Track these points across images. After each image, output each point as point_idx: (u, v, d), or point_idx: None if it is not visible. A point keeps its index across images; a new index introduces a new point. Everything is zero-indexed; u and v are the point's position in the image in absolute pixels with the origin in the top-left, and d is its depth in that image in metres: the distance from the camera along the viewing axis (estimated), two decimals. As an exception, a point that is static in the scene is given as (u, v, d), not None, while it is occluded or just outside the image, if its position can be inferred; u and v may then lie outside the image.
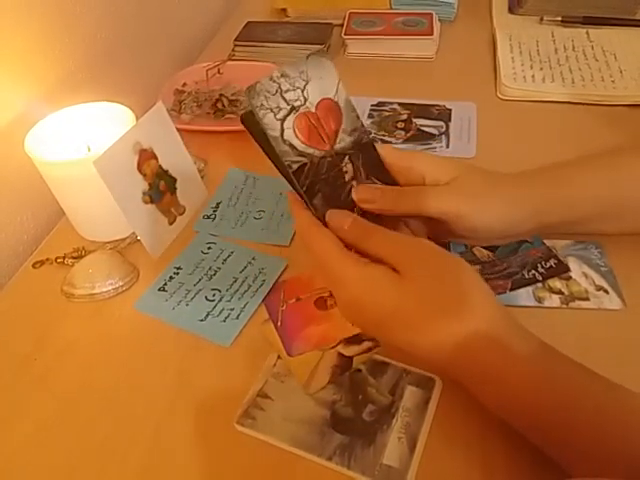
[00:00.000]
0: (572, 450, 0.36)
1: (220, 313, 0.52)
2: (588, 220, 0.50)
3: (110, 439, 0.44)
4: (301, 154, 0.43)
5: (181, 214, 0.61)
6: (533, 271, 0.53)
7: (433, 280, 0.39)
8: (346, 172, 0.45)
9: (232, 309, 0.53)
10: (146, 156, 0.56)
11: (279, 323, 0.48)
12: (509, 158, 0.66)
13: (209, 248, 0.59)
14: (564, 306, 0.50)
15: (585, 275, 0.52)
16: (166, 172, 0.59)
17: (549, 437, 0.37)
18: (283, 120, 0.43)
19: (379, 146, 0.47)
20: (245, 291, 0.54)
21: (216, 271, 0.57)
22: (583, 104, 0.75)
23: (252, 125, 0.43)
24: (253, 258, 0.57)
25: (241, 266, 0.57)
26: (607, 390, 0.36)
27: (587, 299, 0.50)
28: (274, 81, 0.42)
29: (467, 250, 0.55)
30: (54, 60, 0.67)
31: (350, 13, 0.94)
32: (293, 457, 0.42)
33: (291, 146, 0.43)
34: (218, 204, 0.64)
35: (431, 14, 0.91)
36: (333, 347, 0.46)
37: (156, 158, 0.57)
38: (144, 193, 0.56)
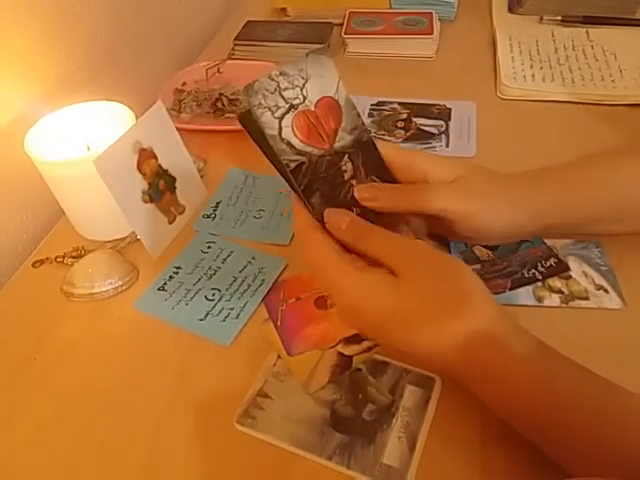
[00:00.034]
0: (571, 450, 0.36)
1: (220, 312, 0.52)
2: (590, 222, 0.50)
3: (110, 439, 0.44)
4: (299, 153, 0.43)
5: (181, 213, 0.61)
6: (533, 270, 0.53)
7: (431, 281, 0.39)
8: (345, 171, 0.45)
9: (232, 308, 0.53)
10: (146, 155, 0.56)
11: (279, 322, 0.48)
12: (509, 157, 0.66)
13: (209, 247, 0.59)
14: (564, 305, 0.50)
15: (585, 274, 0.52)
16: (166, 171, 0.59)
17: (548, 437, 0.37)
18: (281, 118, 0.42)
19: (380, 144, 0.47)
20: (245, 290, 0.54)
21: (216, 270, 0.56)
22: (583, 104, 0.75)
23: (250, 124, 0.43)
24: (253, 257, 0.57)
25: (241, 265, 0.57)
26: (606, 391, 0.36)
27: (587, 298, 0.50)
28: (273, 79, 0.42)
29: (467, 249, 0.55)
30: (54, 60, 0.67)
31: (350, 12, 0.93)
32: (293, 456, 0.42)
33: (289, 144, 0.42)
34: (218, 203, 0.64)
35: (431, 13, 0.91)
36: (333, 346, 0.46)
37: (156, 157, 0.57)
38: (144, 192, 0.56)
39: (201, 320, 0.52)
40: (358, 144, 0.45)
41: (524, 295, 0.51)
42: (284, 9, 1.01)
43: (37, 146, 0.56)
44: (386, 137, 0.72)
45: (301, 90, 0.43)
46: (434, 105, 0.76)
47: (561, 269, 0.53)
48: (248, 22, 0.94)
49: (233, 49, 0.90)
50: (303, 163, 0.43)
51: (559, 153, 0.66)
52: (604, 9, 0.90)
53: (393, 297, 0.39)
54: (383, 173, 0.46)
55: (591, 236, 0.54)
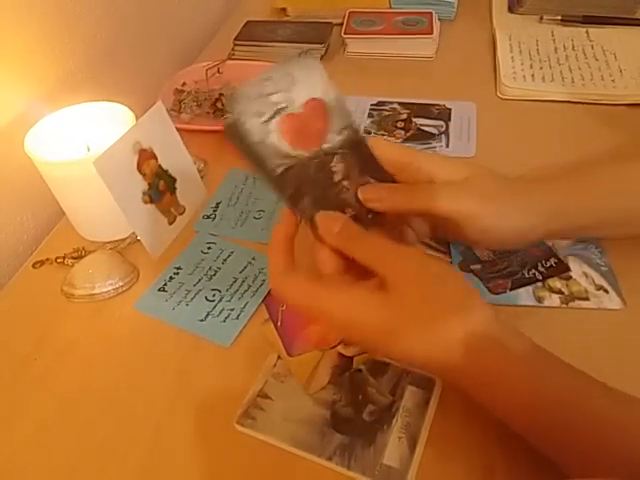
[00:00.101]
0: (570, 452, 0.36)
1: (220, 313, 0.52)
2: (596, 227, 0.49)
3: (110, 439, 0.45)
4: (287, 156, 0.42)
5: (181, 214, 0.61)
6: (533, 270, 0.53)
7: (421, 291, 0.38)
8: (336, 172, 0.44)
9: (232, 309, 0.53)
10: (146, 156, 0.56)
11: (279, 323, 0.48)
12: (509, 157, 0.66)
13: (209, 248, 0.59)
14: (564, 306, 0.50)
15: (585, 275, 0.52)
16: (166, 172, 0.59)
17: (547, 438, 0.37)
18: (267, 123, 0.41)
19: (380, 142, 0.46)
20: (245, 291, 0.54)
21: (216, 271, 0.57)
22: (583, 103, 0.75)
23: (234, 136, 0.42)
24: (253, 258, 0.57)
25: (241, 266, 0.57)
26: (604, 393, 0.36)
27: (587, 299, 0.50)
28: (257, 85, 0.41)
29: (467, 248, 0.55)
30: (54, 60, 0.67)
31: (350, 12, 0.93)
32: (293, 457, 0.42)
33: (276, 149, 0.42)
34: (218, 204, 0.64)
35: (431, 13, 0.91)
36: (333, 347, 0.46)
37: (156, 158, 0.57)
38: (144, 193, 0.56)
39: (201, 321, 0.52)
40: (349, 144, 0.44)
41: (524, 295, 0.51)
42: (284, 9, 1.01)
43: (37, 146, 0.56)
44: (386, 137, 0.72)
45: (287, 94, 0.42)
46: (434, 105, 0.76)
47: (561, 269, 0.53)
48: (248, 22, 0.94)
49: (233, 49, 0.90)
50: (291, 167, 0.42)
51: (559, 153, 0.67)
52: (604, 9, 0.90)
53: (383, 311, 0.38)
54: (378, 172, 0.45)
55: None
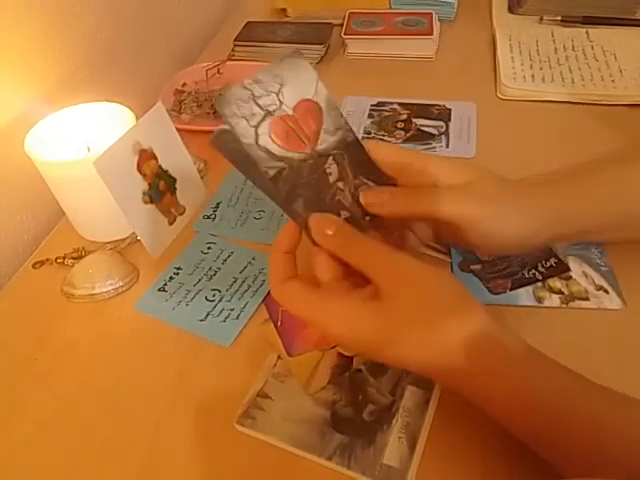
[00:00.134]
0: (568, 456, 0.35)
1: (220, 313, 0.53)
2: (596, 231, 0.49)
3: (110, 439, 0.45)
4: (279, 159, 0.41)
5: (181, 214, 0.61)
6: (533, 270, 0.53)
7: (414, 297, 0.38)
8: (330, 174, 0.43)
9: (232, 309, 0.53)
10: (146, 156, 0.56)
11: (279, 323, 0.48)
12: (509, 158, 0.66)
13: (209, 248, 0.59)
14: (564, 306, 0.50)
15: (585, 275, 0.52)
16: (166, 172, 0.59)
17: (544, 442, 0.36)
18: (257, 126, 0.40)
19: (379, 144, 0.45)
20: (245, 291, 0.54)
21: (216, 271, 0.57)
22: (583, 104, 0.75)
23: (223, 145, 0.41)
24: (253, 258, 0.57)
25: (241, 266, 0.57)
26: (602, 396, 0.36)
27: (587, 299, 0.50)
28: (246, 88, 0.40)
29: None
30: (54, 60, 0.67)
31: (350, 13, 0.93)
32: (293, 457, 0.42)
33: (267, 152, 0.40)
34: (218, 204, 0.64)
35: (431, 14, 0.91)
36: (333, 347, 0.46)
37: (156, 158, 0.57)
38: (144, 193, 0.56)
39: (201, 321, 0.52)
40: (343, 145, 0.43)
41: (524, 295, 0.51)
42: (284, 10, 1.01)
43: (37, 146, 0.56)
44: (386, 138, 0.72)
45: (277, 96, 0.41)
46: (434, 105, 0.76)
47: (561, 269, 0.53)
48: (248, 23, 0.94)
49: (233, 50, 0.90)
50: (283, 169, 0.41)
51: (559, 153, 0.67)
52: (604, 9, 0.90)
53: (376, 320, 0.38)
54: (374, 174, 0.44)
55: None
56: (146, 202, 0.57)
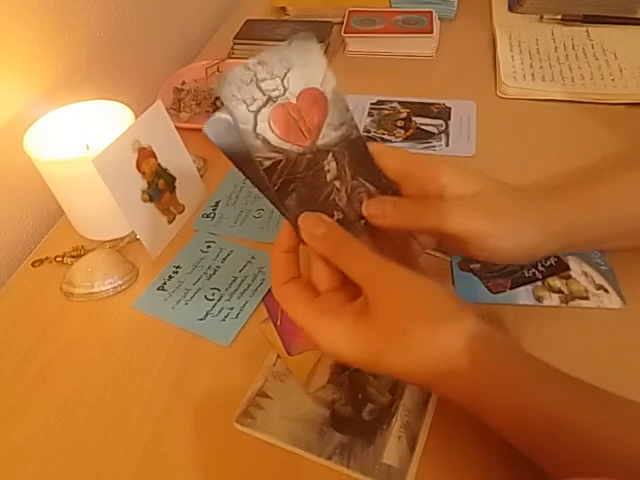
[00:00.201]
0: (561, 462, 0.35)
1: (219, 312, 0.52)
2: (607, 240, 0.48)
3: (109, 438, 0.44)
4: (276, 150, 0.38)
5: (180, 213, 0.61)
6: (533, 269, 0.53)
7: (405, 308, 0.37)
8: (328, 171, 0.40)
9: (231, 308, 0.53)
10: (145, 154, 0.56)
11: (278, 322, 0.48)
12: (509, 156, 0.66)
13: (208, 247, 0.59)
14: (564, 305, 0.50)
15: (585, 274, 0.52)
16: (165, 170, 0.59)
17: (539, 448, 0.36)
18: (257, 112, 0.38)
19: (386, 148, 0.43)
20: (244, 290, 0.54)
21: (215, 270, 0.56)
22: (583, 102, 0.74)
23: (217, 136, 0.39)
24: (252, 257, 0.57)
25: (240, 265, 0.57)
26: (597, 402, 0.35)
27: (587, 298, 0.50)
28: (249, 69, 0.37)
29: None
30: (53, 58, 0.66)
31: (350, 11, 0.93)
32: (293, 456, 0.42)
33: (264, 141, 0.38)
34: (217, 203, 0.64)
35: (431, 12, 0.91)
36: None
37: (155, 156, 0.57)
38: (143, 192, 0.56)
39: (201, 320, 0.52)
40: (345, 142, 0.41)
41: (524, 295, 0.51)
42: (284, 8, 1.01)
43: (36, 145, 0.56)
44: (386, 136, 0.72)
45: (281, 81, 0.38)
46: (434, 104, 0.76)
47: (561, 268, 0.53)
48: (248, 21, 0.94)
49: (233, 48, 0.90)
50: (280, 161, 0.38)
51: (559, 152, 0.67)
52: (604, 8, 0.90)
53: (366, 336, 0.37)
54: (373, 176, 0.42)
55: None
56: (145, 200, 0.57)
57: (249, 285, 0.55)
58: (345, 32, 0.89)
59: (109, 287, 0.55)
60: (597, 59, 0.81)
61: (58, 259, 0.58)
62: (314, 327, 0.39)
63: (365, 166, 0.42)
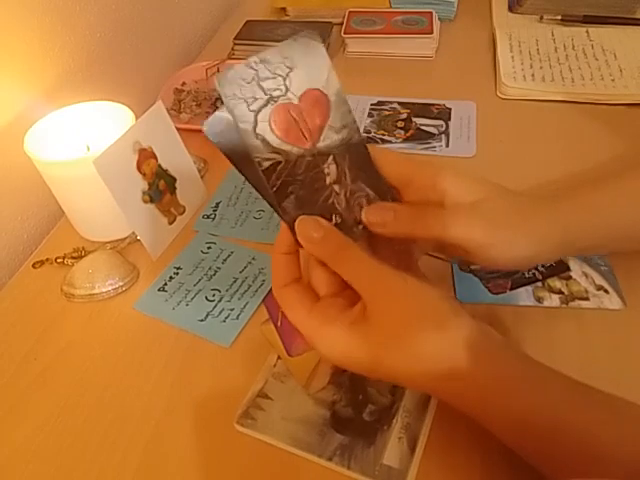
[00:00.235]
0: (561, 467, 0.35)
1: (220, 313, 0.52)
2: (608, 244, 0.48)
3: (109, 439, 0.45)
4: (275, 151, 0.37)
5: (181, 214, 0.61)
6: (533, 270, 0.53)
7: (402, 314, 0.37)
8: (328, 174, 0.39)
9: (232, 309, 0.53)
10: (145, 155, 0.56)
11: (279, 323, 0.48)
12: (509, 157, 0.66)
13: (209, 248, 0.59)
14: (564, 306, 0.50)
15: (585, 274, 0.52)
16: (166, 171, 0.59)
17: (537, 453, 0.36)
18: (257, 112, 0.37)
19: (388, 155, 0.42)
20: (245, 291, 0.54)
21: (216, 271, 0.56)
22: (583, 103, 0.74)
23: (216, 135, 0.39)
24: (253, 258, 0.57)
25: (241, 266, 0.57)
26: (596, 405, 0.36)
27: (587, 299, 0.50)
28: (251, 68, 0.36)
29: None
30: (54, 59, 0.67)
31: (350, 12, 0.93)
32: (293, 457, 0.42)
33: (264, 141, 0.37)
34: (218, 204, 0.64)
35: (431, 13, 0.91)
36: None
37: (155, 157, 0.57)
38: (144, 192, 0.56)
39: (201, 321, 0.52)
40: (346, 145, 0.40)
41: (524, 295, 0.51)
42: (284, 9, 1.01)
43: (37, 146, 0.56)
44: (386, 137, 0.72)
45: (284, 80, 0.38)
46: (434, 105, 0.76)
47: (561, 269, 0.53)
48: (248, 22, 0.94)
49: (233, 49, 0.90)
50: (279, 162, 0.38)
51: (559, 152, 0.67)
52: (604, 8, 0.90)
53: (364, 343, 0.37)
54: (373, 180, 0.41)
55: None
56: (146, 201, 0.57)
57: (249, 286, 0.55)
58: (345, 33, 0.89)
59: (110, 288, 0.55)
60: (597, 59, 0.81)
61: (59, 260, 0.58)
62: (314, 335, 0.39)
63: (365, 170, 0.41)
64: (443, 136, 0.71)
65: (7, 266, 0.63)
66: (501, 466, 0.40)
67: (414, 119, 0.74)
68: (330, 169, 0.40)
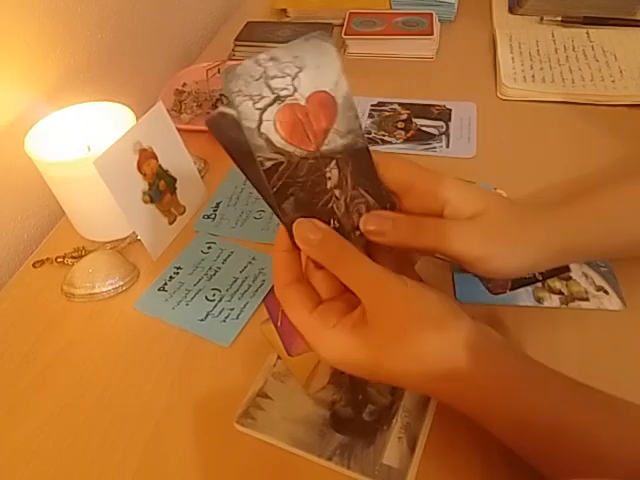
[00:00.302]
0: (561, 468, 0.35)
1: (220, 313, 0.53)
2: (608, 252, 0.48)
3: (109, 438, 0.45)
4: (278, 151, 0.37)
5: (181, 214, 0.61)
6: (533, 271, 0.53)
7: (400, 318, 0.37)
8: (329, 178, 0.39)
9: (232, 309, 0.53)
10: (146, 156, 0.56)
11: (279, 323, 0.48)
12: (509, 158, 0.66)
13: (209, 248, 0.59)
14: (564, 306, 0.50)
15: (585, 275, 0.52)
16: (166, 172, 0.59)
17: (537, 453, 0.36)
18: (263, 110, 0.36)
19: (392, 162, 0.42)
20: (245, 291, 0.54)
21: (216, 271, 0.57)
22: (583, 104, 0.75)
23: (217, 129, 0.39)
24: (253, 258, 0.57)
25: (241, 266, 0.57)
26: (596, 406, 0.36)
27: (587, 299, 0.50)
28: (260, 65, 0.36)
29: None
30: (55, 60, 0.67)
31: (350, 13, 0.94)
32: (293, 457, 0.42)
33: (267, 141, 0.37)
34: (218, 204, 0.64)
35: (431, 14, 0.91)
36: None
37: (156, 158, 0.57)
38: (144, 193, 0.56)
39: (201, 320, 0.52)
40: (350, 150, 0.39)
41: (524, 296, 0.51)
42: (284, 10, 1.01)
43: (37, 146, 0.56)
44: (386, 138, 0.72)
45: (292, 80, 0.37)
46: (434, 106, 0.76)
47: (561, 270, 0.52)
48: (248, 23, 0.94)
49: (233, 50, 0.90)
50: (281, 163, 0.37)
51: (559, 153, 0.67)
52: (604, 10, 0.90)
53: (364, 346, 0.37)
54: (374, 187, 0.41)
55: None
56: (146, 202, 0.57)
57: (250, 286, 0.55)
58: (345, 34, 0.89)
59: (110, 288, 0.55)
60: (597, 60, 0.81)
61: (59, 260, 0.58)
62: (314, 338, 0.39)
63: (367, 177, 0.41)
64: (443, 137, 0.71)
65: (7, 266, 0.63)
66: (501, 466, 0.40)
67: (414, 120, 0.74)
68: (332, 173, 0.39)
